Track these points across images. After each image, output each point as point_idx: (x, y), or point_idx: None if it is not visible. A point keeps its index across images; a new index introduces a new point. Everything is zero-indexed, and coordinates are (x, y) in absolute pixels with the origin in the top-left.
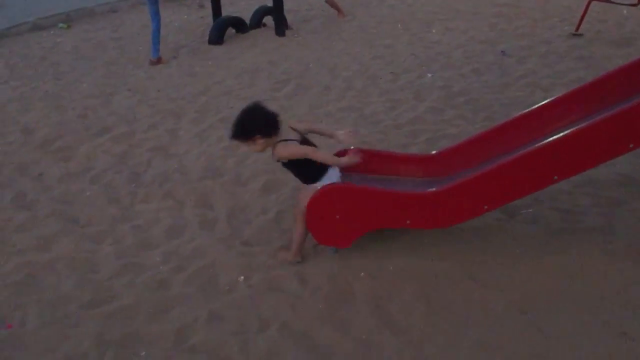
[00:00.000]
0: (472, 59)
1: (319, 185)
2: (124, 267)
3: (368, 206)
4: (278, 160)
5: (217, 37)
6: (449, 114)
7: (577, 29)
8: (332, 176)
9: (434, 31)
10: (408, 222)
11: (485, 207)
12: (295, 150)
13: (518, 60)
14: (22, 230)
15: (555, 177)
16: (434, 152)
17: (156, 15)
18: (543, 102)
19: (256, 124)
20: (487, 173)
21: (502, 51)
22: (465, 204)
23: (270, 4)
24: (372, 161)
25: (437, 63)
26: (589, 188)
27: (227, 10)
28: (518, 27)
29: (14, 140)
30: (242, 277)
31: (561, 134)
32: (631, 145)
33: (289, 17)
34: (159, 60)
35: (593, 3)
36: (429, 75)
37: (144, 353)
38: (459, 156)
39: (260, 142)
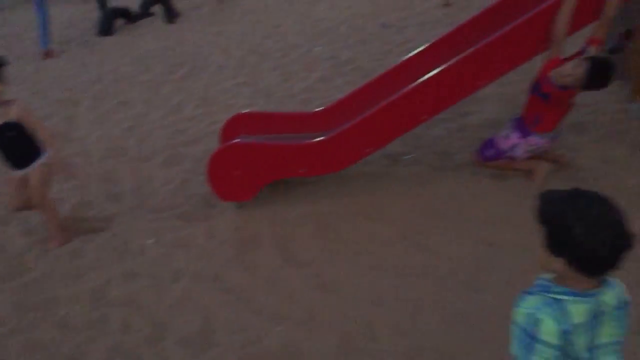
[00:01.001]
0: (358, 32)
1: (37, 164)
2: (32, 244)
3: (264, 160)
4: (6, 127)
5: (106, 29)
6: (338, 82)
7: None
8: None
9: (321, 9)
10: (302, 170)
11: (368, 149)
12: (31, 114)
13: (397, 31)
14: None
15: (424, 117)
16: (320, 108)
17: (41, 5)
18: (405, 57)
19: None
20: (364, 120)
21: (382, 23)
22: (350, 148)
23: None
24: (265, 122)
25: (324, 37)
26: (463, 133)
27: (113, 3)
28: (396, 1)
29: None
30: (153, 240)
31: (423, 79)
32: (480, 84)
33: (178, 5)
34: (49, 53)
35: None
36: (317, 48)
37: (64, 312)
38: (342, 110)
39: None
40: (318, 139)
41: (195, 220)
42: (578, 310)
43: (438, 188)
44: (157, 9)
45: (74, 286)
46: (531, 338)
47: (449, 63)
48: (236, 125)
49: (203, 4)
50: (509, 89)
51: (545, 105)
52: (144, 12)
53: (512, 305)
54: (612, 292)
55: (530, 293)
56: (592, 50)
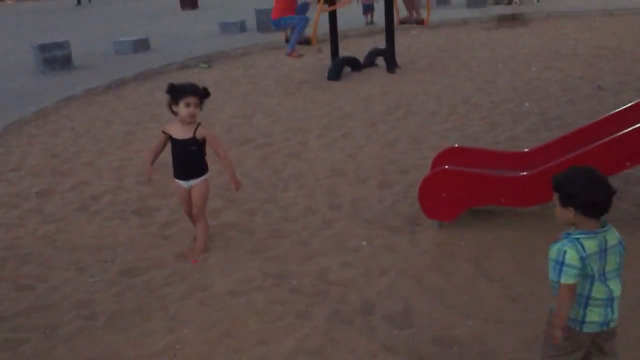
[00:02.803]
0: (568, 92)
1: (205, 176)
2: (273, 231)
3: (470, 187)
4: (192, 141)
5: (335, 74)
6: (544, 135)
7: None
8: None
9: (533, 69)
10: (503, 200)
11: None
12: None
13: (613, 94)
14: None
15: (627, 164)
16: (525, 149)
17: (302, 19)
18: (611, 112)
19: (197, 88)
20: (566, 161)
21: (598, 85)
22: (549, 186)
23: (381, 46)
24: (472, 157)
25: (535, 95)
26: None
27: (342, 54)
28: (616, 66)
29: None
30: (365, 242)
31: (627, 130)
32: None
33: (398, 59)
34: (292, 54)
35: None
36: (527, 104)
37: (295, 282)
38: (546, 153)
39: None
40: (521, 173)
41: (402, 232)
42: (590, 244)
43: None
44: (380, 60)
45: (303, 266)
46: (561, 264)
47: None
48: (446, 157)
49: (420, 59)
50: None
51: None
52: (369, 62)
53: None
54: (612, 234)
55: (557, 241)
56: None
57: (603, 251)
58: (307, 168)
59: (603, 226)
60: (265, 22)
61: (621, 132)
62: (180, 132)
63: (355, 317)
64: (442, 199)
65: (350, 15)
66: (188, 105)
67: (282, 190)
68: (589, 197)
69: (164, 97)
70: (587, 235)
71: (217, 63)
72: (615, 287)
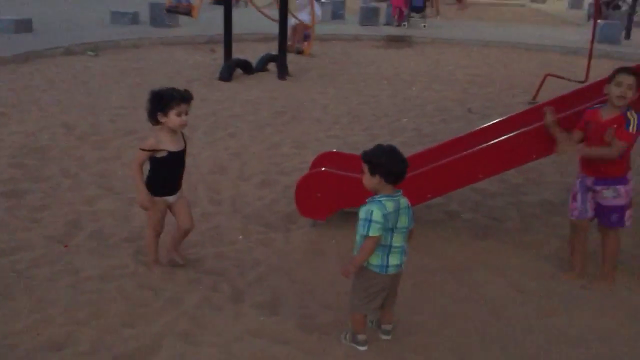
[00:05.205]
0: (443, 112)
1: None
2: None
3: (341, 188)
4: (185, 149)
5: (226, 75)
6: (417, 148)
7: (534, 97)
8: None
9: (413, 89)
10: None
11: (429, 195)
12: None
13: (482, 117)
14: (71, 190)
15: (480, 176)
16: None
17: None
18: (475, 129)
19: (188, 93)
20: (428, 171)
21: (468, 108)
22: (414, 191)
23: (274, 52)
24: (347, 161)
25: (412, 112)
26: (518, 206)
27: (236, 57)
28: (486, 93)
29: (57, 132)
30: (241, 236)
31: (481, 147)
32: (534, 156)
33: (290, 67)
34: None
35: (548, 78)
36: (404, 120)
37: (168, 270)
38: (413, 162)
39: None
40: None
41: (277, 229)
42: (390, 204)
43: (483, 241)
44: (272, 66)
45: None
46: (369, 221)
47: (503, 137)
48: (324, 160)
49: (311, 69)
50: (571, 180)
51: None
52: (261, 67)
53: None
54: (404, 199)
55: (365, 205)
56: None
57: (397, 211)
58: (191, 163)
59: (396, 192)
60: (159, 16)
61: (475, 148)
62: (175, 144)
63: (224, 304)
64: (316, 199)
65: (248, 19)
66: (180, 114)
67: None
68: (390, 167)
69: (44, 82)
70: (387, 198)
71: (105, 52)
72: (403, 240)
